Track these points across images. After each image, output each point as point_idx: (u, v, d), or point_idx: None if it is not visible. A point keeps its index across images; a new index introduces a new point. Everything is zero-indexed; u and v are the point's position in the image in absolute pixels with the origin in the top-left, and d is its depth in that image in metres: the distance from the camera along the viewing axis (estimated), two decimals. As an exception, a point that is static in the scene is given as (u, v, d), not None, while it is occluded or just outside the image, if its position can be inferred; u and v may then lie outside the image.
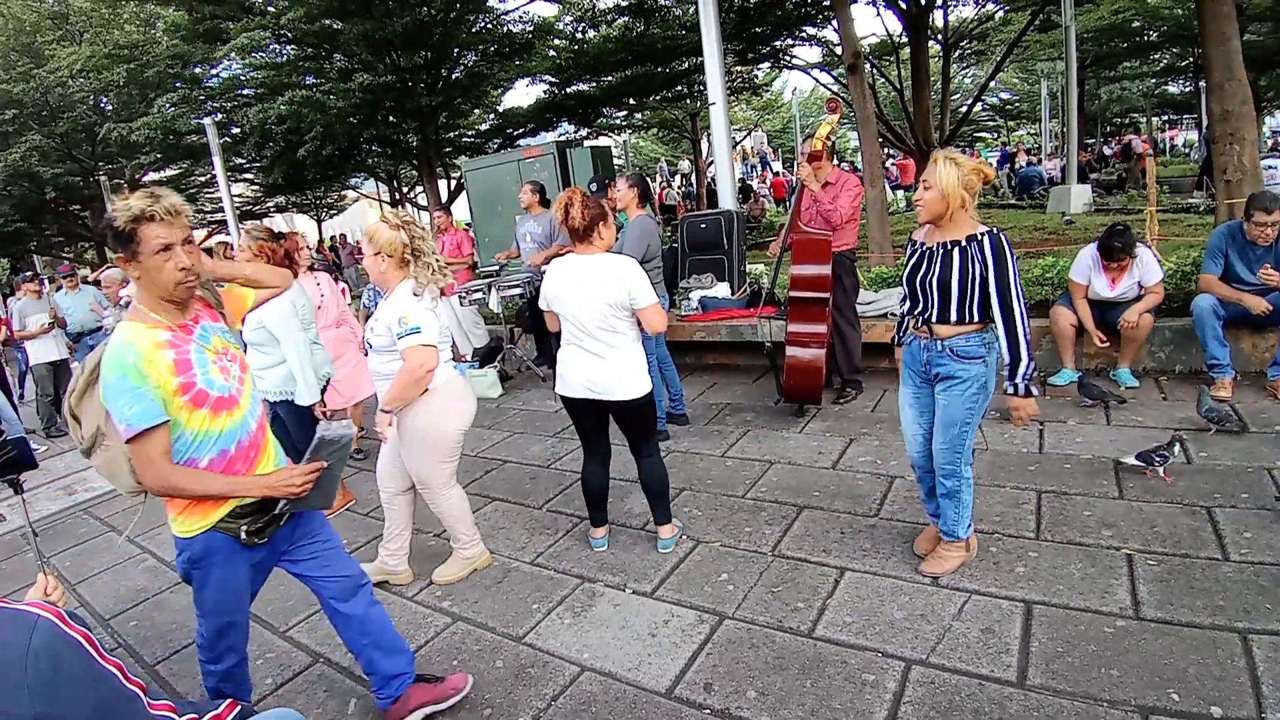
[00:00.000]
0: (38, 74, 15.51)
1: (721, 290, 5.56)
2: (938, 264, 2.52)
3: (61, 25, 16.89)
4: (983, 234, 2.45)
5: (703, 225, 5.95)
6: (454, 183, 16.67)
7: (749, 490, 3.66)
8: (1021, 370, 2.46)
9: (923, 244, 2.61)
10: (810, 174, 4.40)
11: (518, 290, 6.24)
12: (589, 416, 3.13)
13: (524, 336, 6.95)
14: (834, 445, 4.07)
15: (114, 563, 4.02)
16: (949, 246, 2.49)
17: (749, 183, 22.29)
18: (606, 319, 2.90)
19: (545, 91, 15.70)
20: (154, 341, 1.79)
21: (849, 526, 3.16)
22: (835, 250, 4.42)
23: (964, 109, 16.76)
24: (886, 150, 17.51)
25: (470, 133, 17.24)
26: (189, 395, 1.83)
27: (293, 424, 3.91)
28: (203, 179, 20.87)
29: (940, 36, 13.47)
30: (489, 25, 13.72)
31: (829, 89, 14.78)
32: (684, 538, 3.26)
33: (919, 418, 2.76)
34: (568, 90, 15.51)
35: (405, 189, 20.87)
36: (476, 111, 17.12)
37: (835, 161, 4.72)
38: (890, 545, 2.96)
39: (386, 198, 22.33)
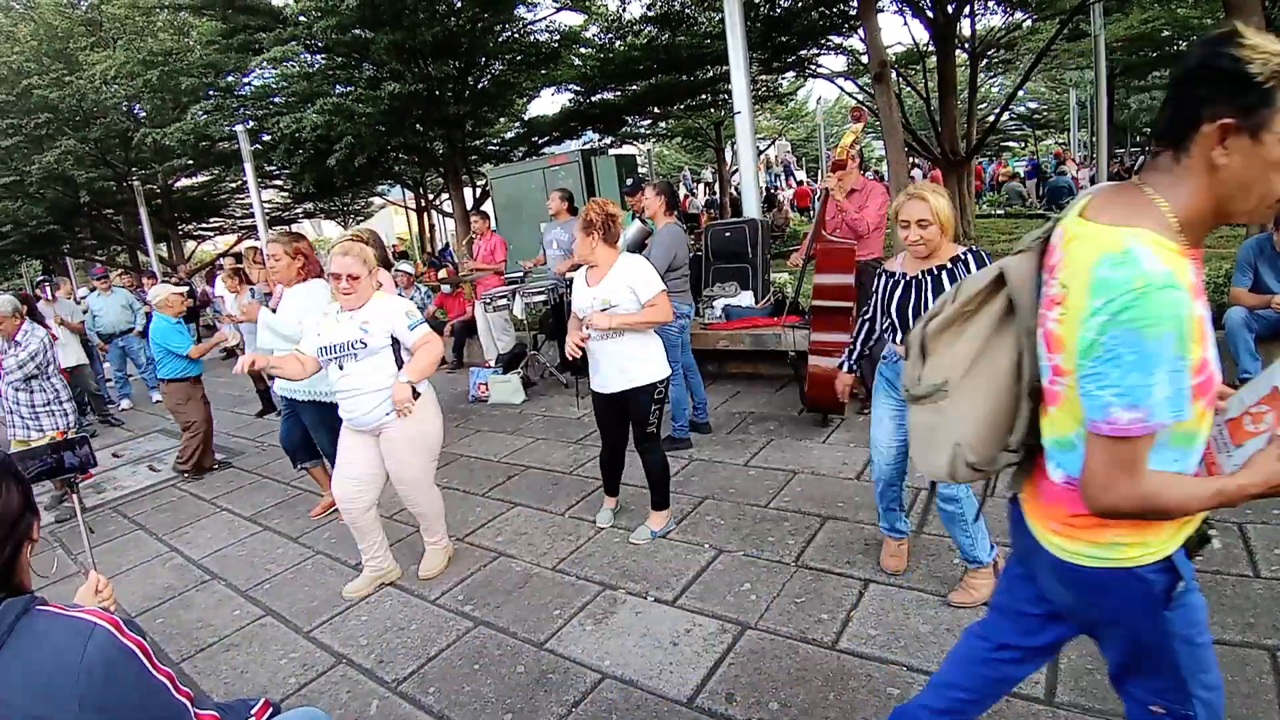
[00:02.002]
0: (71, 80, 15.90)
1: (745, 299, 5.55)
2: (927, 291, 2.51)
3: (95, 32, 17.28)
4: (964, 254, 2.47)
5: (727, 234, 5.94)
6: (479, 190, 16.83)
7: (772, 500, 3.64)
8: None
9: (902, 273, 2.59)
10: (835, 183, 4.39)
11: (542, 297, 6.27)
12: (608, 412, 3.39)
13: (548, 343, 6.98)
14: (858, 456, 4.04)
15: (142, 560, 4.09)
16: (936, 272, 2.50)
17: (773, 191, 22.25)
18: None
19: (570, 100, 15.81)
20: (1190, 287, 1.05)
21: (873, 539, 3.12)
22: (861, 259, 4.40)
23: (991, 118, 16.60)
24: (912, 160, 17.39)
25: (496, 141, 17.39)
26: (1201, 378, 1.10)
27: (314, 425, 3.97)
28: (234, 185, 21.23)
29: (967, 45, 13.37)
30: (516, 35, 13.86)
31: (854, 98, 14.72)
32: (706, 546, 3.25)
33: (897, 431, 2.70)
34: (593, 99, 15.61)
35: (431, 196, 21.09)
36: (502, 120, 17.26)
37: (861, 170, 4.71)
38: (915, 558, 2.92)
39: (413, 205, 22.59)
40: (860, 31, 10.61)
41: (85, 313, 8.64)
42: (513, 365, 6.60)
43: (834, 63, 15.27)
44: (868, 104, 12.43)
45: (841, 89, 15.27)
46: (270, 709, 1.55)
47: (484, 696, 2.46)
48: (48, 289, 8.43)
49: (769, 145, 28.67)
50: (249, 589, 3.53)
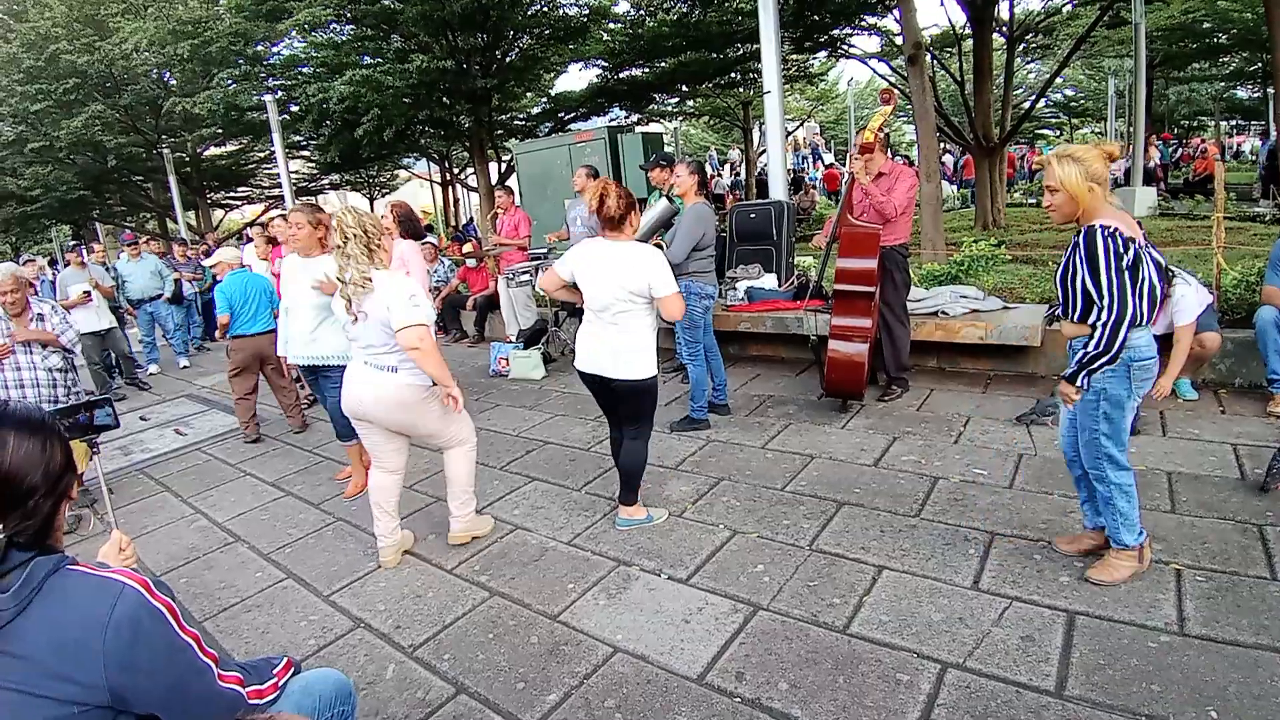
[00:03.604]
0: (101, 46, 16.01)
1: (769, 281, 5.52)
2: (1064, 260, 2.46)
3: None
4: (1084, 228, 2.34)
5: (752, 215, 5.90)
6: (504, 165, 16.83)
7: (788, 483, 3.65)
8: (1084, 355, 2.36)
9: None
10: (861, 166, 4.33)
11: (566, 273, 6.27)
12: (600, 393, 3.35)
13: (569, 320, 7.00)
14: (876, 443, 4.03)
15: (168, 521, 4.20)
16: (1075, 241, 2.41)
17: (800, 174, 22.00)
18: (622, 303, 3.07)
19: (598, 76, 15.71)
20: None
21: (889, 525, 3.13)
22: (887, 245, 4.35)
23: (1026, 105, 16.23)
24: (944, 145, 17.07)
25: (522, 116, 17.36)
26: None
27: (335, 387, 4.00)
28: (262, 154, 21.39)
29: (1005, 29, 13.05)
30: (544, 8, 13.76)
31: (886, 80, 14.45)
32: (721, 527, 3.27)
33: (1070, 422, 2.69)
34: (620, 75, 15.49)
35: (456, 169, 21.11)
36: (529, 95, 17.22)
37: (889, 155, 4.64)
38: (930, 546, 2.92)
39: (437, 178, 22.62)
40: (896, 12, 10.39)
41: (115, 278, 8.79)
42: (534, 341, 6.63)
43: (867, 43, 15.01)
44: (900, 87, 12.21)
45: (874, 70, 14.98)
46: (292, 668, 1.58)
47: (497, 664, 2.50)
48: (83, 251, 8.58)
49: (797, 127, 28.26)
50: (271, 552, 3.61)
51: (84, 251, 8.64)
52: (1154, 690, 2.04)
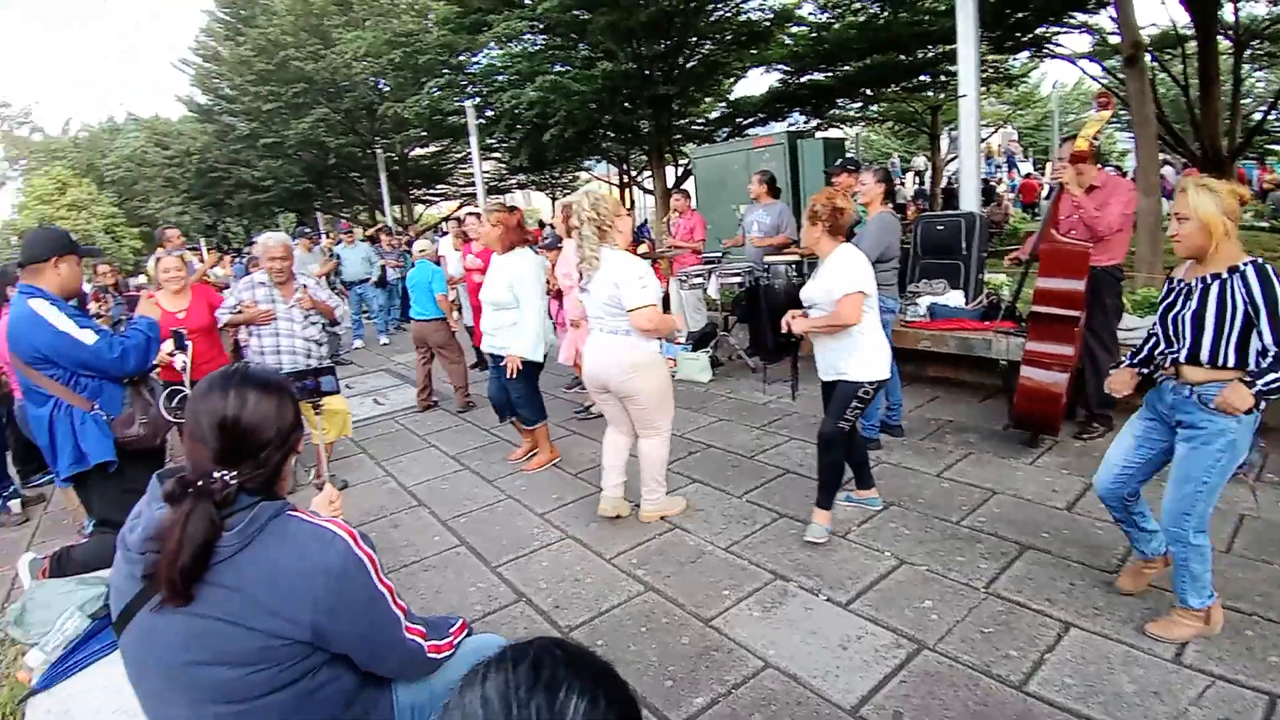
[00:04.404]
0: (326, 55, 18.15)
1: (954, 298, 5.16)
2: (1194, 299, 2.26)
3: (346, 11, 19.60)
4: (1245, 264, 2.15)
5: (939, 227, 5.55)
6: (681, 169, 17.08)
7: (965, 517, 3.39)
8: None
9: (1180, 280, 2.39)
10: (1072, 177, 3.93)
11: (738, 279, 6.26)
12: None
13: (738, 325, 6.97)
14: (1071, 484, 3.64)
15: (363, 480, 4.67)
16: (1208, 280, 2.23)
17: (992, 183, 20.44)
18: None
19: (778, 81, 15.49)
20: None
21: (1080, 578, 2.82)
22: (1098, 265, 3.92)
23: (1257, 116, 13.95)
24: (1163, 157, 15.12)
25: (700, 120, 17.51)
26: None
27: (510, 379, 4.28)
28: (458, 155, 23.29)
29: (1230, 32, 11.30)
30: (728, 14, 13.80)
31: (1099, 82, 13.03)
32: (888, 554, 3.10)
33: (1137, 449, 2.53)
34: (802, 79, 15.19)
35: (634, 172, 21.72)
36: (708, 100, 17.34)
37: (1099, 164, 4.18)
38: (1129, 608, 2.60)
39: (616, 180, 23.41)
40: (1110, 8, 9.34)
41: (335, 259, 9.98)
42: (702, 344, 6.66)
43: (1076, 42, 13.52)
44: (1116, 90, 10.96)
45: (1084, 72, 13.56)
46: (466, 630, 1.68)
47: (648, 659, 2.54)
48: (320, 235, 9.90)
49: (992, 133, 26.21)
50: (449, 519, 3.91)
51: (322, 235, 9.95)
52: None
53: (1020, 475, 3.83)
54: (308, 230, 11.24)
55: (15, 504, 4.74)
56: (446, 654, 1.56)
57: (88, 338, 2.75)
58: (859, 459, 3.50)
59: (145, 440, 2.95)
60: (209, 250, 17.65)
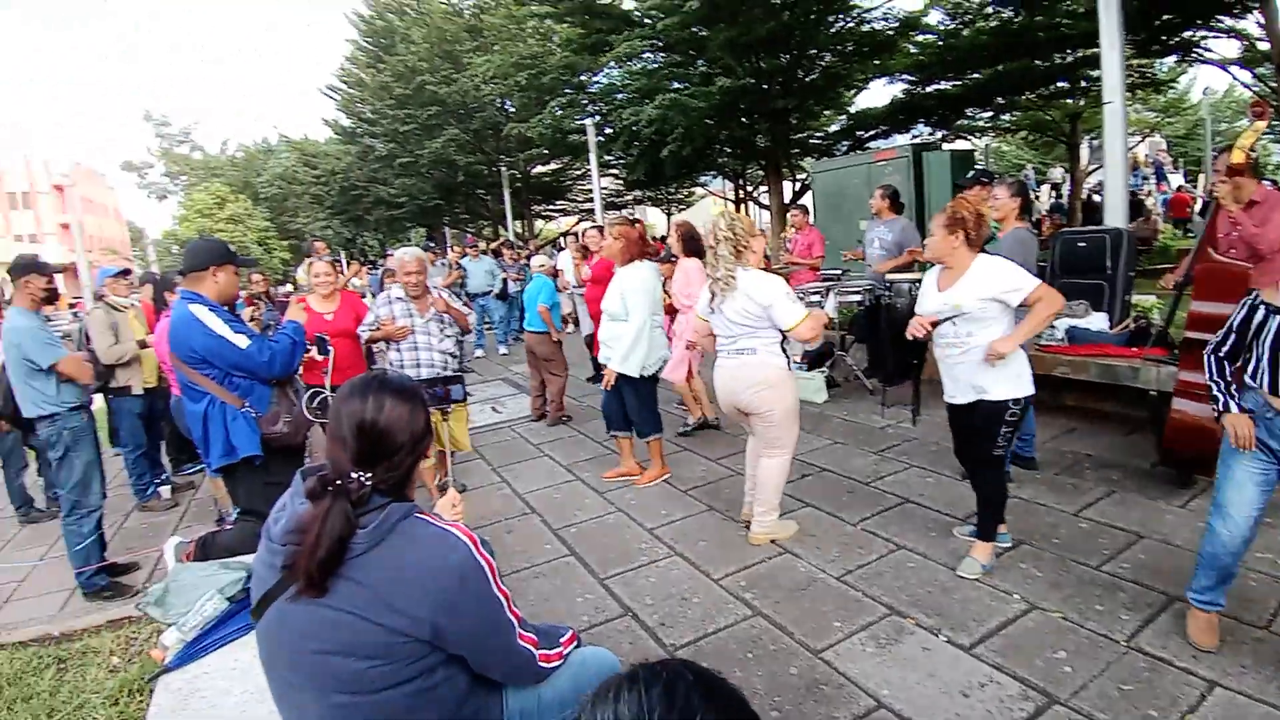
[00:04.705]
0: (458, 79, 19.24)
1: (1097, 321, 4.76)
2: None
3: (476, 37, 20.72)
4: None
5: (1081, 244, 5.15)
6: (798, 183, 16.83)
7: (1105, 562, 3.11)
8: None
9: (1261, 300, 2.34)
10: (1228, 191, 3.56)
11: (858, 297, 6.07)
12: (961, 427, 3.24)
13: (856, 345, 6.75)
14: (1232, 531, 3.26)
15: (479, 485, 4.85)
16: None
17: (1140, 196, 18.81)
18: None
19: (902, 91, 14.99)
20: None
21: (1230, 634, 2.51)
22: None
23: None
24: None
25: (819, 134, 17.21)
26: None
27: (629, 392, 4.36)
28: (578, 172, 24.05)
29: None
30: (851, 24, 13.50)
31: (1251, 90, 11.75)
32: (1017, 597, 2.89)
33: (1259, 498, 2.39)
34: (927, 89, 14.62)
35: (750, 187, 21.62)
36: (827, 113, 17.02)
37: (1256, 178, 3.76)
38: (1277, 664, 2.32)
39: (731, 195, 23.38)
40: (1256, 12, 8.39)
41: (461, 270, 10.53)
42: (818, 363, 6.49)
43: (1225, 47, 12.13)
44: (1270, 99, 9.84)
45: (1234, 78, 12.26)
46: (575, 641, 1.70)
47: (753, 686, 2.48)
48: (448, 248, 10.53)
49: (1138, 142, 24.14)
50: (559, 528, 4.00)
51: (449, 249, 10.55)
52: None
53: (1169, 519, 3.47)
54: (432, 245, 11.96)
55: (166, 490, 5.29)
56: (556, 664, 1.59)
57: (241, 341, 2.98)
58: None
59: (288, 437, 3.16)
60: (349, 261, 19.07)
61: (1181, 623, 2.63)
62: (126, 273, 5.25)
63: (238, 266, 3.20)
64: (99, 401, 4.52)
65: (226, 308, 3.12)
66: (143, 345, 4.83)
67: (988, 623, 2.73)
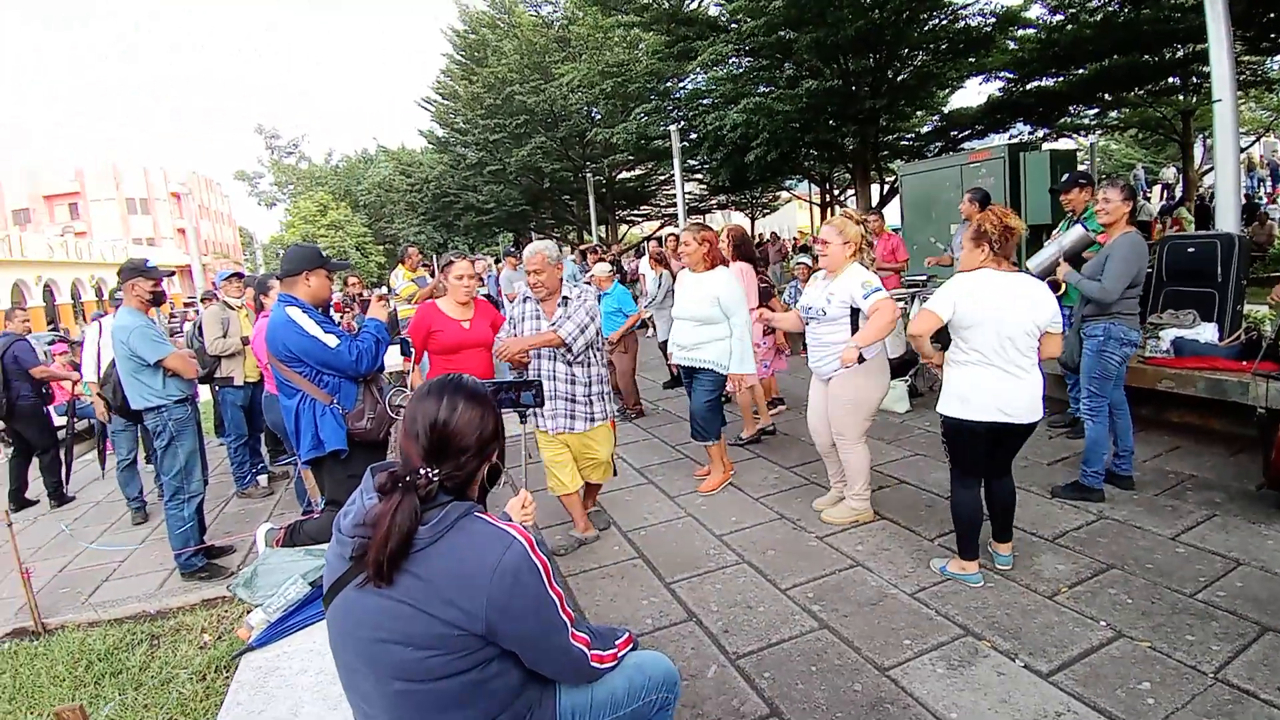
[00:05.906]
0: (546, 89, 19.72)
1: (1205, 333, 4.43)
2: None
3: (565, 47, 21.18)
4: None
5: (1190, 249, 4.80)
6: (886, 187, 16.39)
7: (1200, 590, 2.90)
8: None
9: None
10: None
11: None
12: (987, 441, 3.11)
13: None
14: (1343, 562, 2.99)
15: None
16: None
17: (1256, 200, 17.28)
18: (1031, 339, 3.01)
19: (1000, 89, 14.35)
20: None
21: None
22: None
23: None
24: None
25: (910, 135, 16.70)
26: None
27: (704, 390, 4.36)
28: (662, 178, 24.20)
29: None
30: (945, 21, 13.04)
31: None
32: (1102, 624, 2.74)
33: None
34: (1027, 86, 13.94)
35: (836, 191, 21.20)
36: (919, 114, 16.50)
37: None
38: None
39: (817, 199, 23.00)
40: None
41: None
42: (900, 371, 6.29)
43: None
44: None
45: None
46: (631, 644, 1.73)
47: (815, 700, 2.45)
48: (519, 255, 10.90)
49: (1253, 142, 22.22)
50: (629, 530, 4.06)
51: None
52: None
53: (1271, 544, 3.20)
54: (513, 250, 12.32)
55: (263, 479, 5.67)
56: (609, 665, 1.62)
57: (331, 341, 3.17)
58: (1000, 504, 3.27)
59: (371, 433, 3.33)
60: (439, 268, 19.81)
61: (1274, 654, 2.44)
62: (239, 275, 5.69)
63: (329, 271, 3.37)
64: (205, 394, 4.87)
65: (319, 309, 3.30)
66: (245, 342, 5.21)
67: (1069, 649, 2.60)
